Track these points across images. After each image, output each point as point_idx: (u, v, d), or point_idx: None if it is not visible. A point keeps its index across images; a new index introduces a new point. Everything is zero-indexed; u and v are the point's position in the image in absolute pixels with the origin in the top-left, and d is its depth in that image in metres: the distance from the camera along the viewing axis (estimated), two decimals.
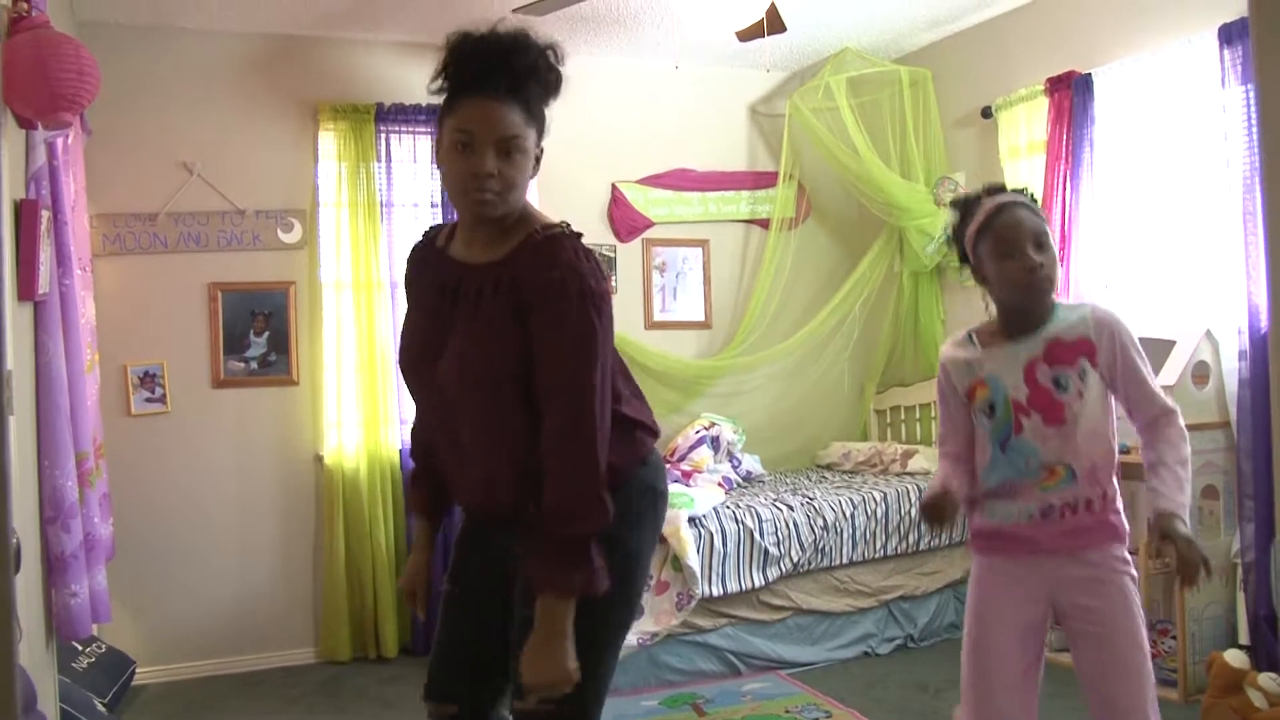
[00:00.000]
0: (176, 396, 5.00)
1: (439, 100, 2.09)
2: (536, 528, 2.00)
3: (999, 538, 2.61)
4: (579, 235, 2.10)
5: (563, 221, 2.12)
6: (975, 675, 2.63)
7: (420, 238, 2.33)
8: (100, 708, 3.88)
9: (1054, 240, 2.57)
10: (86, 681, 4.07)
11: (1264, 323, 3.95)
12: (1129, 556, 2.58)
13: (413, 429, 2.45)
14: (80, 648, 4.29)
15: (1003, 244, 2.49)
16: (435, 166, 2.24)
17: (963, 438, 2.68)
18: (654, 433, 2.29)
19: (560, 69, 2.12)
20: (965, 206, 2.64)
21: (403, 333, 2.28)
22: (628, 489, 2.14)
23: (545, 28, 5.03)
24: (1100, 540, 2.53)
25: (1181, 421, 2.53)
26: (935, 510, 2.54)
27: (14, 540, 1.55)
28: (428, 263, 2.23)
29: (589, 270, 2.02)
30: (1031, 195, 2.64)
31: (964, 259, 2.64)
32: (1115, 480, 2.58)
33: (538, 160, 2.13)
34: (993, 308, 2.63)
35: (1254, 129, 3.90)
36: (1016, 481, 2.54)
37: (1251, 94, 3.82)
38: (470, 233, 2.14)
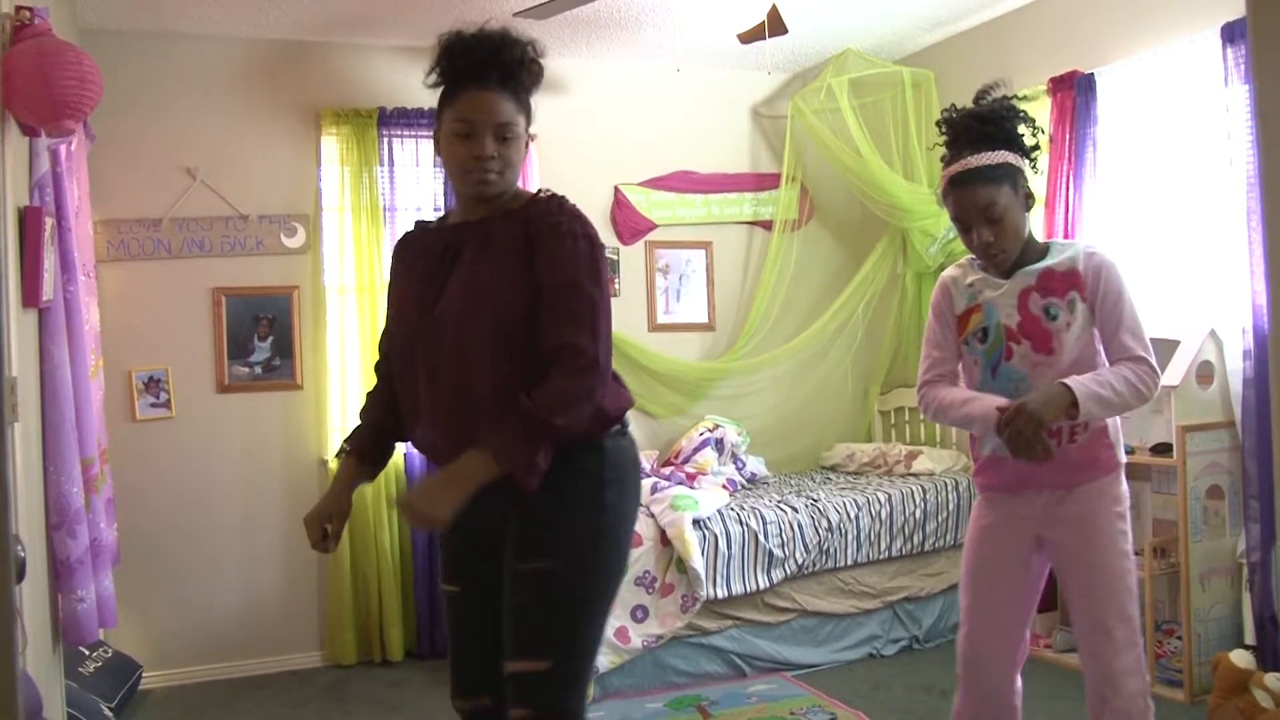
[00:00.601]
0: (181, 401, 5.01)
1: (439, 63, 2.30)
2: (515, 407, 2.11)
3: (995, 470, 2.70)
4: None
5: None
6: (971, 597, 2.76)
7: (410, 229, 2.52)
8: (107, 712, 3.89)
9: (1018, 193, 2.62)
10: (93, 686, 4.08)
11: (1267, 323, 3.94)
12: (1122, 494, 2.66)
13: (363, 408, 2.56)
14: (87, 652, 4.29)
15: (957, 221, 2.65)
16: (436, 155, 2.46)
17: (953, 365, 2.76)
18: (627, 408, 2.40)
19: (541, 61, 2.33)
20: (946, 143, 2.75)
21: (388, 313, 2.43)
22: (614, 454, 2.30)
23: (547, 31, 5.08)
24: (1093, 473, 2.61)
25: (1148, 370, 2.55)
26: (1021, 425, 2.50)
27: (21, 553, 1.55)
28: (419, 241, 2.41)
29: (590, 224, 2.28)
30: (998, 115, 2.67)
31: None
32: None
33: (527, 145, 2.37)
34: None
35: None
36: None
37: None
38: (470, 208, 2.32)
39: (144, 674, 4.70)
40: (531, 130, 2.25)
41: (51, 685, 3.20)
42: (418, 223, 2.52)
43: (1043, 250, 2.66)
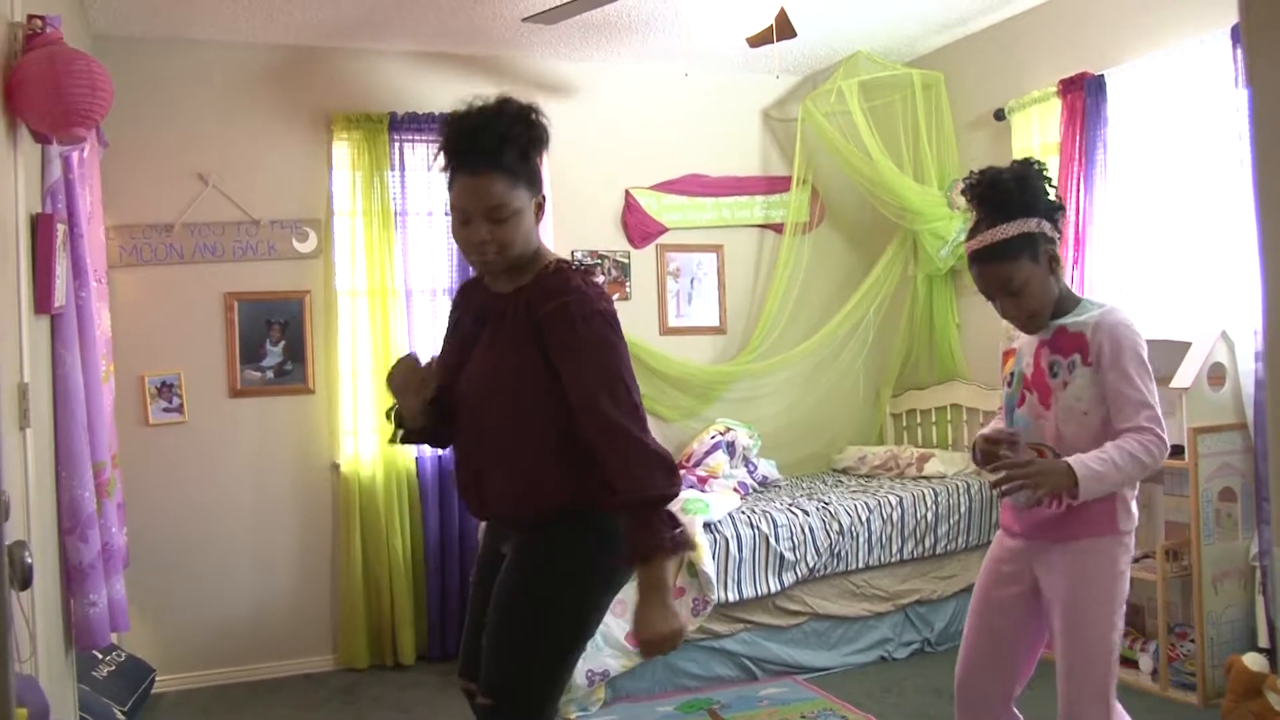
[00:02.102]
0: (193, 406, 5.03)
1: (452, 108, 2.38)
2: (618, 510, 2.22)
3: (1007, 511, 2.78)
4: (588, 268, 2.43)
5: (571, 259, 2.48)
6: (969, 627, 2.82)
7: (471, 276, 2.67)
8: (120, 716, 3.91)
9: (1038, 262, 2.62)
10: (106, 690, 4.10)
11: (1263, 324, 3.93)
12: (1122, 558, 2.62)
13: None
14: (100, 656, 4.31)
15: (982, 292, 2.71)
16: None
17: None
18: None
19: (540, 124, 2.36)
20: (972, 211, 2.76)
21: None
22: (608, 525, 2.31)
23: (557, 35, 5.10)
24: (1086, 532, 2.60)
25: (1152, 439, 2.52)
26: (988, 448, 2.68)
27: (28, 559, 1.56)
28: (471, 297, 2.54)
29: (594, 293, 2.31)
30: (1014, 183, 2.66)
31: None
32: None
33: (540, 206, 2.40)
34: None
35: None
36: (1016, 455, 2.66)
37: None
38: (493, 278, 2.45)
39: (157, 677, 4.72)
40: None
41: (64, 689, 3.22)
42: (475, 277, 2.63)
43: (1074, 305, 2.69)
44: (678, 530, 2.22)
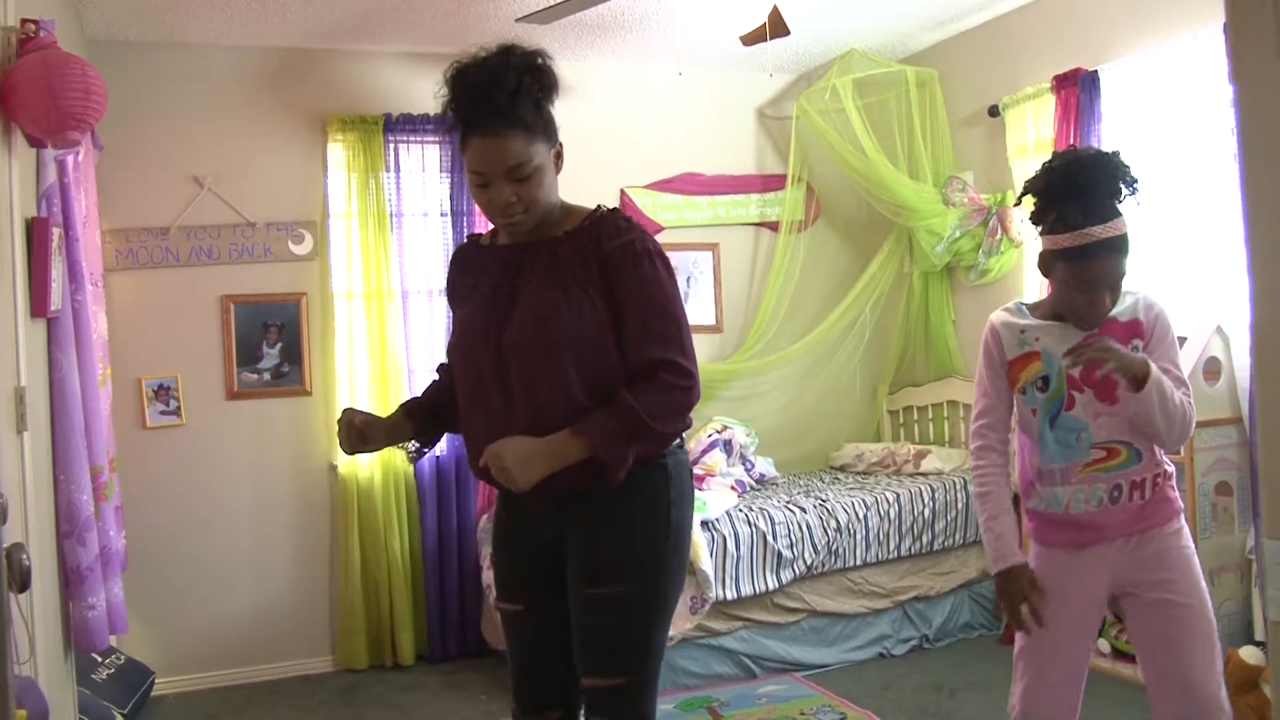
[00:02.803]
0: (191, 409, 5.03)
1: (446, 110, 2.25)
2: (614, 401, 2.16)
3: (1062, 526, 2.58)
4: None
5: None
6: (1031, 668, 2.61)
7: (465, 241, 2.55)
8: (120, 718, 3.91)
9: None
10: (106, 693, 4.11)
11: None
12: (1186, 530, 2.59)
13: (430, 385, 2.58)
14: (99, 659, 4.32)
15: (1081, 282, 2.47)
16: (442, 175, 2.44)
17: (1004, 412, 2.63)
18: (688, 425, 2.39)
19: (550, 69, 2.25)
20: (1057, 184, 2.54)
21: (455, 326, 2.42)
22: (676, 472, 2.32)
23: (551, 35, 5.09)
24: (1162, 518, 2.55)
25: (1193, 409, 2.50)
26: (1014, 592, 2.48)
27: (26, 563, 1.57)
28: (476, 259, 2.42)
29: (654, 239, 2.31)
30: (1125, 169, 2.59)
31: (1037, 223, 2.61)
32: (1165, 456, 2.59)
33: (559, 155, 2.32)
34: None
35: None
36: (1068, 462, 2.53)
37: None
38: (517, 235, 2.33)
39: (156, 680, 4.73)
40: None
41: (63, 692, 3.23)
42: (470, 237, 2.55)
43: None
44: (626, 454, 2.16)
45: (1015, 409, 2.63)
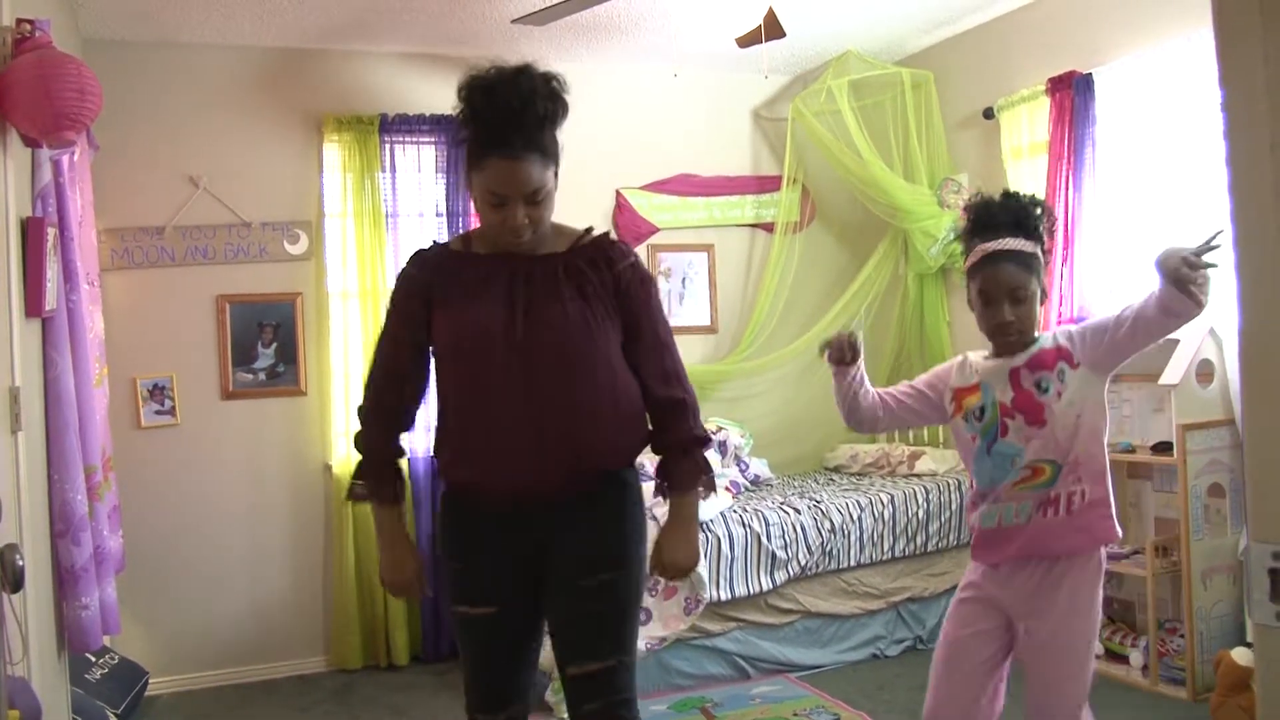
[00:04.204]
0: (186, 408, 5.03)
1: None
2: (664, 443, 2.45)
3: (995, 541, 2.73)
4: None
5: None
6: (938, 667, 2.80)
7: (428, 247, 2.51)
8: (113, 718, 3.91)
9: (1039, 284, 2.71)
10: (100, 693, 4.11)
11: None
12: (1101, 570, 2.69)
13: (371, 437, 2.51)
14: (93, 659, 4.32)
15: (982, 294, 2.71)
16: (469, 192, 2.46)
17: (909, 395, 2.90)
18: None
19: (565, 97, 2.36)
20: (971, 223, 2.80)
21: (455, 329, 2.37)
22: (638, 475, 2.53)
23: (546, 36, 5.10)
24: (1088, 542, 2.66)
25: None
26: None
27: (20, 562, 1.57)
28: (460, 266, 2.41)
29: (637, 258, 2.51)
30: (1030, 205, 2.75)
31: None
32: (1105, 486, 2.68)
33: (556, 174, 2.40)
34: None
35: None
36: (1001, 484, 2.69)
37: None
38: (511, 249, 2.38)
39: (151, 680, 4.72)
40: None
41: (56, 692, 3.23)
42: (438, 245, 2.52)
43: (1030, 342, 2.74)
44: (711, 470, 2.48)
45: (956, 435, 2.84)
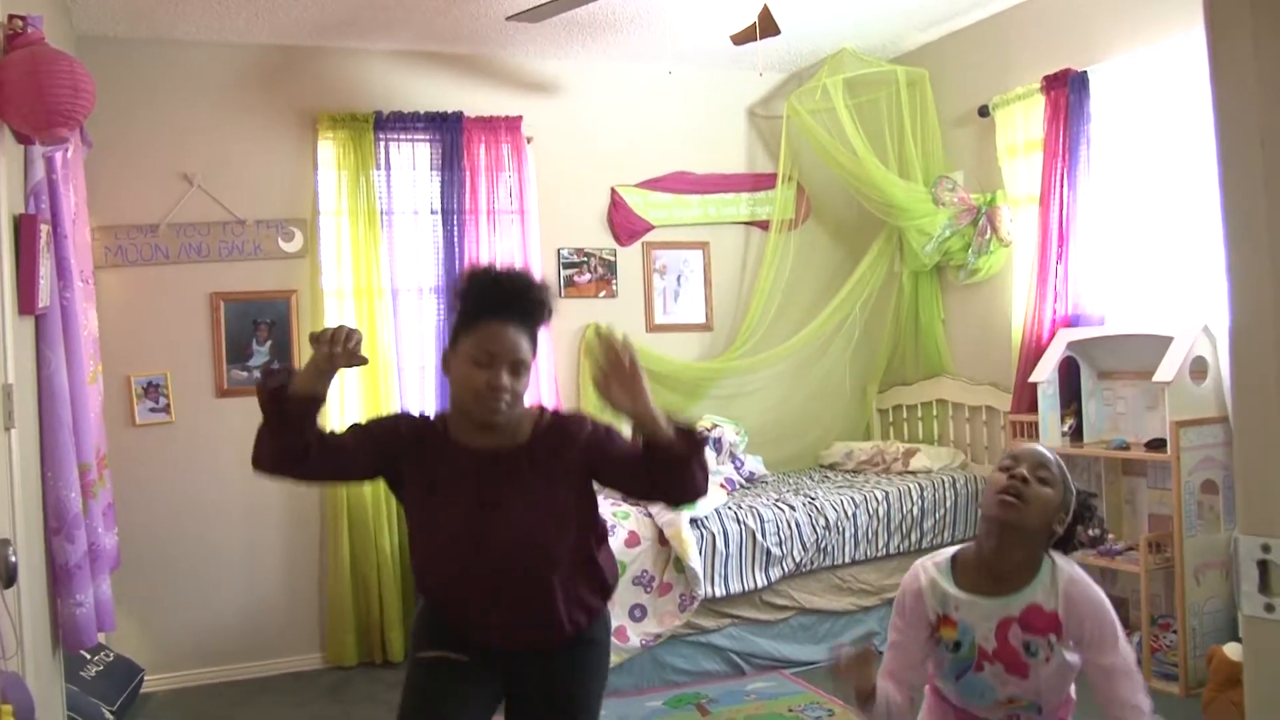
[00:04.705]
0: (180, 406, 5.03)
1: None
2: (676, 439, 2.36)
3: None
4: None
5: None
6: None
7: (417, 416, 2.57)
8: (108, 715, 3.91)
9: (1054, 500, 2.50)
10: (95, 690, 4.11)
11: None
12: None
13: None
14: (88, 656, 4.32)
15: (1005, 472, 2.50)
16: (442, 371, 2.48)
17: (914, 655, 2.57)
18: (617, 575, 2.72)
19: (551, 304, 2.48)
20: None
21: (427, 515, 2.47)
22: (609, 621, 2.68)
23: (541, 34, 5.10)
24: None
25: (1141, 679, 2.48)
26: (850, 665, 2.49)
27: (12, 558, 1.57)
28: (442, 449, 2.46)
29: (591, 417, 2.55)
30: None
31: None
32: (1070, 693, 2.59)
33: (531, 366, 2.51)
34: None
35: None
36: (970, 706, 2.57)
37: None
38: (479, 435, 2.43)
39: (146, 677, 4.73)
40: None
41: (51, 689, 3.23)
42: (423, 416, 2.55)
43: (1032, 568, 2.50)
44: (703, 457, 2.38)
45: (931, 652, 2.59)
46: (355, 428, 2.50)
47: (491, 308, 2.37)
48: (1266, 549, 1.36)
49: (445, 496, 2.44)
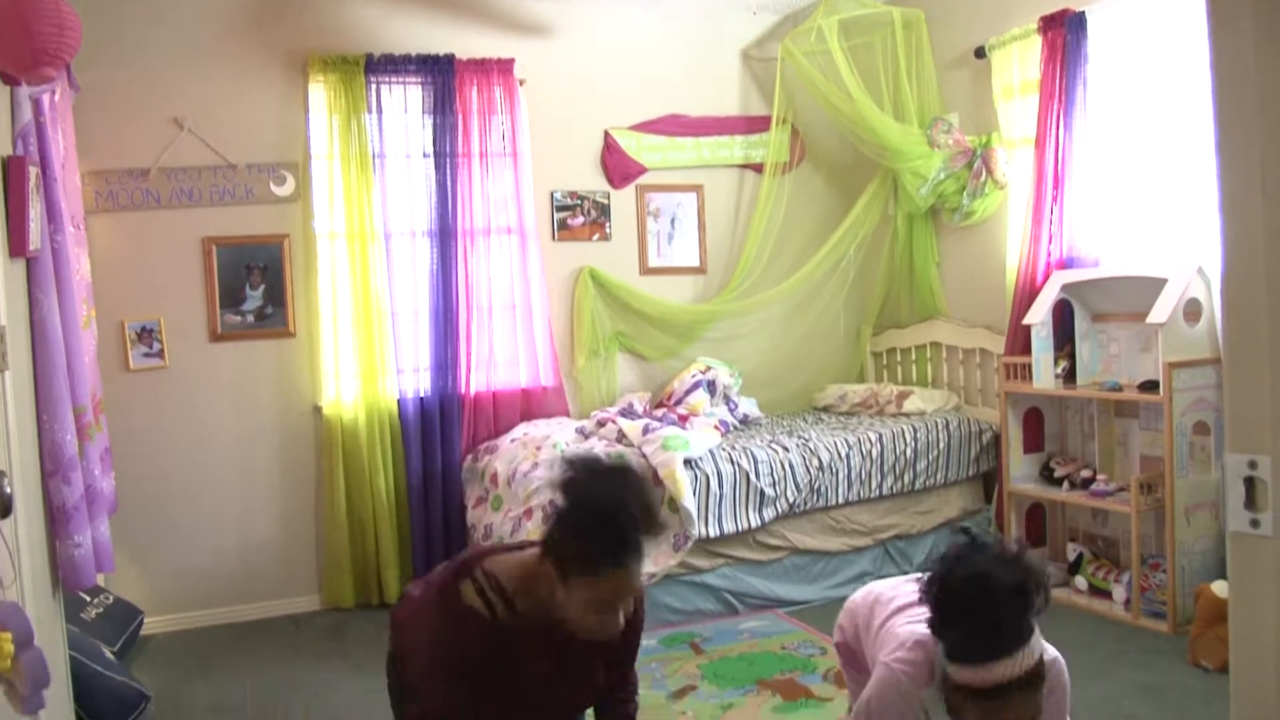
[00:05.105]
0: (174, 351, 5.03)
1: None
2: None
3: None
4: None
5: None
6: None
7: (478, 617, 2.34)
8: (109, 655, 3.95)
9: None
10: (95, 631, 4.15)
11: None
12: None
13: None
14: (88, 599, 4.36)
15: None
16: (558, 579, 2.24)
17: None
18: None
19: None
20: (955, 635, 2.23)
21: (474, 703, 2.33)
22: None
23: None
24: None
25: None
26: None
27: (8, 490, 1.58)
28: (510, 636, 2.33)
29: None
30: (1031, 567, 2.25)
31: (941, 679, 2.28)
32: None
33: None
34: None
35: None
36: None
37: None
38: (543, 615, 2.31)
39: (145, 619, 4.78)
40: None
41: (52, 626, 3.25)
42: (480, 613, 2.35)
43: None
44: None
45: None
46: (463, 693, 2.31)
47: (613, 556, 2.17)
48: (1253, 465, 1.40)
49: (526, 683, 2.36)
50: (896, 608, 2.68)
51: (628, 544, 2.18)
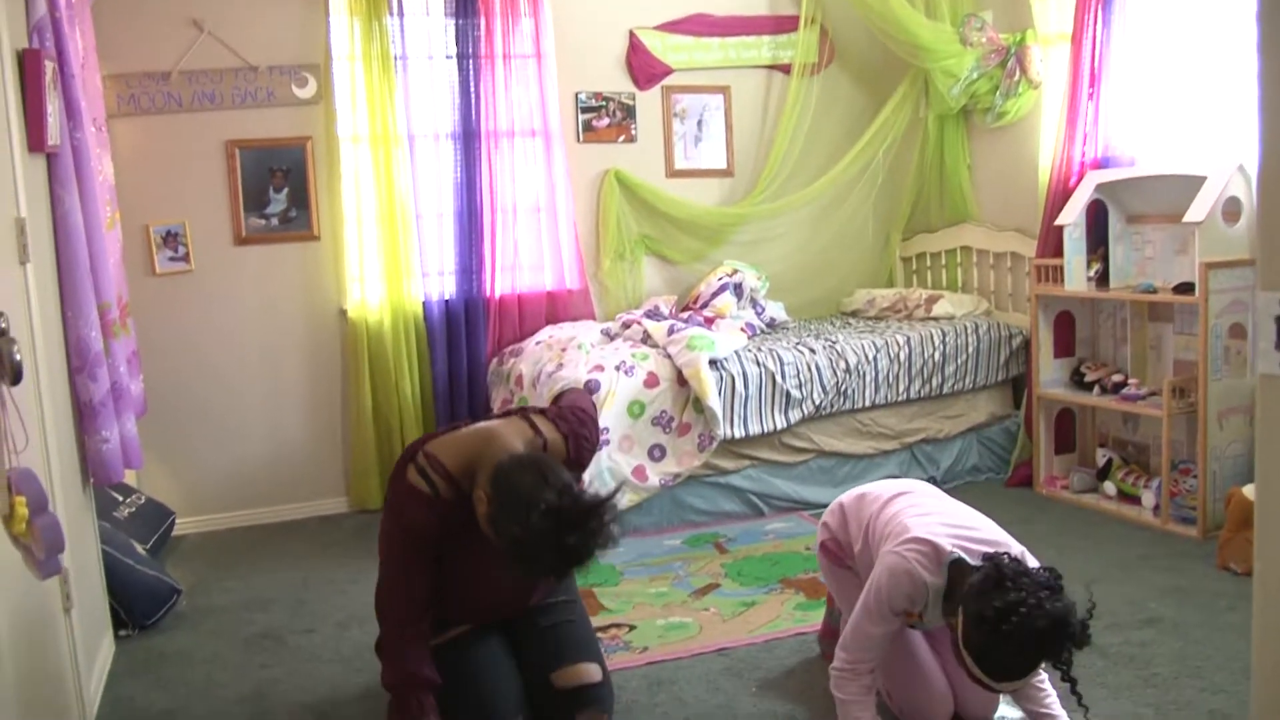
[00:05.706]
0: (200, 255, 5.03)
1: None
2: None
3: None
4: None
5: None
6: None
7: (427, 499, 2.61)
8: (141, 551, 4.01)
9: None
10: (128, 529, 4.21)
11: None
12: None
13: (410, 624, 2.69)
14: (120, 498, 4.42)
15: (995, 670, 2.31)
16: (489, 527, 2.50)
17: (880, 653, 2.62)
18: None
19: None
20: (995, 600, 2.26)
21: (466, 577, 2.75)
22: None
23: None
24: None
25: None
26: None
27: (16, 356, 1.57)
28: (455, 513, 2.61)
29: None
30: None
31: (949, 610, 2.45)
32: None
33: None
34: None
35: None
36: None
37: None
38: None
39: (176, 520, 4.84)
40: None
41: (83, 521, 3.30)
42: (439, 500, 2.63)
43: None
44: None
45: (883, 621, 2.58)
46: (411, 561, 2.64)
47: (552, 569, 2.46)
48: None
49: (495, 569, 2.58)
50: (889, 498, 2.83)
51: (563, 562, 2.41)
